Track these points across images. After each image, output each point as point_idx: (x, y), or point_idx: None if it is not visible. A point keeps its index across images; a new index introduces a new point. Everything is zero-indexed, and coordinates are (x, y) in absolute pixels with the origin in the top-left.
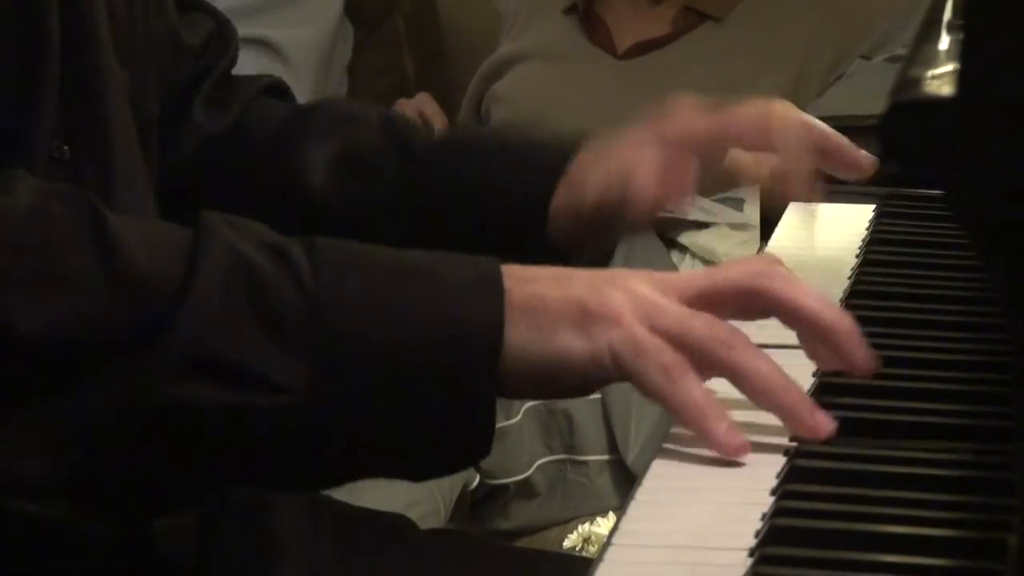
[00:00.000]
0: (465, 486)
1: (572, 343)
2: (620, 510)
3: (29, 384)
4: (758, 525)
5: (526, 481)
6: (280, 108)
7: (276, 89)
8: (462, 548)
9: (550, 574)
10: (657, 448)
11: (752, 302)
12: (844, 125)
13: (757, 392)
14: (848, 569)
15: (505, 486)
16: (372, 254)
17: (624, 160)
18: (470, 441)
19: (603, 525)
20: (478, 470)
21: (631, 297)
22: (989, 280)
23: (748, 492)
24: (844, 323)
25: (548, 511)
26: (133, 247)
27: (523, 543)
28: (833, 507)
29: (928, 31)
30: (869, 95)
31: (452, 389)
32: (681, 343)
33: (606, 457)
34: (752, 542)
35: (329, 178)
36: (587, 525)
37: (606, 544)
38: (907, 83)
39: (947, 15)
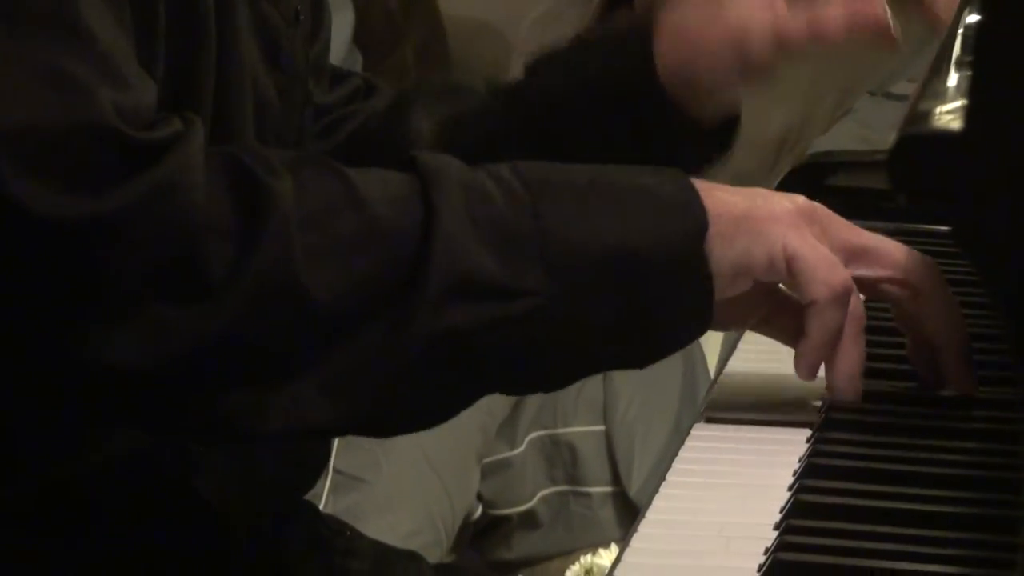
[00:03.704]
0: (468, 516)
1: (752, 245)
2: (623, 542)
3: (314, 343)
4: (761, 559)
5: (529, 512)
6: (384, 97)
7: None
8: None
9: None
10: (661, 480)
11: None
12: (848, 160)
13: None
14: None
15: (508, 516)
16: (570, 170)
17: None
18: (694, 316)
19: (605, 556)
20: (481, 500)
21: (808, 213)
22: (996, 317)
23: (751, 526)
24: (963, 347)
25: (550, 542)
26: (380, 203)
27: (525, 574)
28: (836, 543)
29: (939, 66)
30: (872, 130)
31: (672, 272)
32: None
33: (609, 489)
34: None
35: (436, 142)
36: (589, 556)
37: None
38: (916, 117)
39: (956, 52)
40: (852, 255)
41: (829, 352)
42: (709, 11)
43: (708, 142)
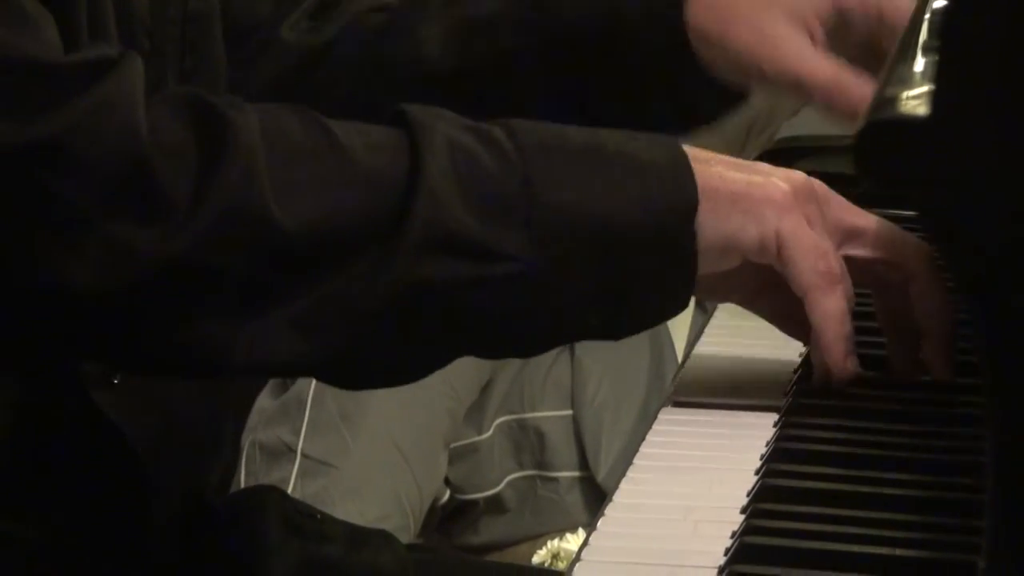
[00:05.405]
0: (435, 501)
1: (745, 225)
2: (590, 526)
3: (283, 275)
4: (728, 543)
5: (496, 496)
6: (383, 12)
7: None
8: (440, 564)
9: None
10: (628, 464)
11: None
12: (815, 145)
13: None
14: None
15: (475, 501)
16: (565, 134)
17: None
18: (675, 291)
19: (572, 541)
20: (448, 485)
21: (805, 193)
22: (962, 300)
23: (718, 510)
24: (949, 335)
25: (518, 527)
26: (360, 150)
27: (492, 558)
28: (803, 526)
29: (904, 51)
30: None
31: (656, 247)
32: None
33: (577, 473)
34: (722, 560)
35: (448, 46)
36: (556, 541)
37: (575, 560)
38: (882, 103)
39: (922, 36)
40: (847, 235)
41: (848, 339)
42: None
43: (719, 99)
